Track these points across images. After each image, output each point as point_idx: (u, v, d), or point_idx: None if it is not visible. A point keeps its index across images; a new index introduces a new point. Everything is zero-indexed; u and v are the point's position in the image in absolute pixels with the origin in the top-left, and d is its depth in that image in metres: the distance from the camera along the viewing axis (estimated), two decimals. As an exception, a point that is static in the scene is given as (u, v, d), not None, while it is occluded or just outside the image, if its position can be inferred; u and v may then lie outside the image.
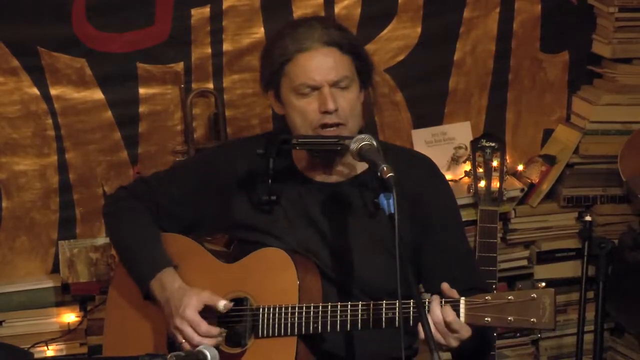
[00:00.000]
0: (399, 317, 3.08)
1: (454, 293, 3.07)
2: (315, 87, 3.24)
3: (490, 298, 3.01)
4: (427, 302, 3.08)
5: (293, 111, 3.29)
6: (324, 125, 3.24)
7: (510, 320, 2.99)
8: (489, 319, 3.01)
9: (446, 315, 3.03)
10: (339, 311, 3.17)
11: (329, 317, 3.18)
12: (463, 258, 3.38)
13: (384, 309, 3.13)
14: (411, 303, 3.08)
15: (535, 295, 2.98)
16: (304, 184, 3.36)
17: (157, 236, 3.43)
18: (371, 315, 3.14)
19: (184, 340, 3.25)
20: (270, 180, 3.31)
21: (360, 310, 3.15)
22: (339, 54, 3.26)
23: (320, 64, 3.23)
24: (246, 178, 3.38)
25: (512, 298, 2.99)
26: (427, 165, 3.44)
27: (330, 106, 3.22)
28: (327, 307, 3.18)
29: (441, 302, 3.05)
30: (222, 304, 3.24)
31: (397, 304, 3.00)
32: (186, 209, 3.45)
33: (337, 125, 3.24)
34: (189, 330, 3.24)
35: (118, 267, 3.52)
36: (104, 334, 3.55)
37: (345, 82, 3.25)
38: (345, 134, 3.21)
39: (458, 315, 3.04)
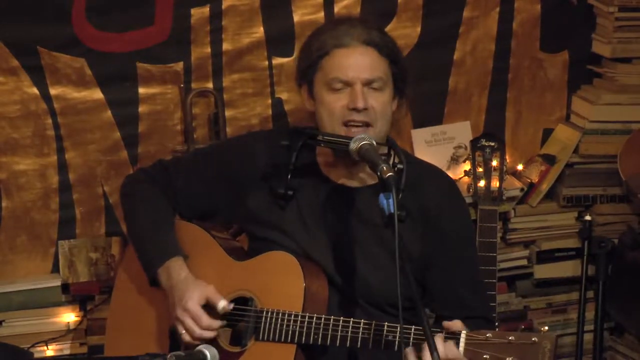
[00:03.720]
0: (403, 339, 3.08)
1: (456, 325, 3.05)
2: (347, 83, 3.24)
3: (491, 336, 3.00)
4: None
5: (322, 106, 3.28)
6: (350, 122, 3.23)
7: None
8: (488, 357, 2.99)
9: (449, 351, 3.00)
10: (340, 326, 3.16)
11: (330, 330, 3.16)
12: (471, 283, 3.37)
13: (385, 330, 3.12)
14: (412, 328, 3.06)
15: (537, 340, 2.97)
16: (323, 184, 3.35)
17: (171, 223, 3.43)
18: (372, 334, 3.13)
19: (184, 332, 3.26)
20: (289, 175, 3.31)
21: (362, 329, 3.14)
22: (377, 55, 3.26)
23: (356, 61, 3.24)
24: (266, 170, 3.38)
25: (513, 339, 2.98)
26: (448, 184, 3.42)
27: (360, 104, 3.22)
28: (329, 320, 3.17)
29: (445, 337, 3.03)
30: (221, 304, 3.23)
31: (399, 306, 2.96)
32: (204, 196, 3.45)
33: (365, 125, 3.23)
34: (190, 322, 3.24)
35: (127, 252, 3.52)
36: (107, 319, 3.57)
37: (378, 83, 3.25)
38: (372, 135, 3.18)
39: (457, 347, 3.02)
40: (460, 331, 3.03)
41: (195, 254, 3.38)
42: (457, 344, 3.02)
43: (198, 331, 3.23)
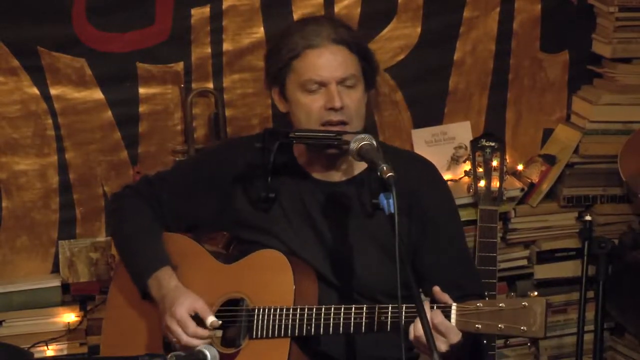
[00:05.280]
0: (395, 319, 3.08)
1: (445, 297, 3.05)
2: (322, 83, 3.24)
3: (481, 305, 3.00)
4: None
5: (298, 108, 3.29)
6: (329, 123, 3.24)
7: (500, 327, 2.98)
8: (480, 326, 3.00)
9: (434, 317, 3.00)
10: (332, 314, 3.16)
11: (322, 319, 3.16)
12: (461, 263, 3.36)
13: (376, 313, 3.12)
14: (403, 308, 3.06)
15: (527, 304, 2.97)
16: (303, 181, 3.35)
17: (158, 235, 3.43)
18: (364, 318, 3.13)
19: (174, 340, 3.26)
20: (269, 177, 3.31)
21: (353, 314, 3.15)
22: (347, 53, 3.27)
23: (329, 61, 3.24)
24: (246, 175, 3.38)
25: (504, 306, 2.98)
26: (427, 168, 3.42)
27: (337, 103, 3.22)
28: (320, 309, 3.17)
29: (432, 307, 3.04)
30: (209, 320, 3.23)
31: (398, 303, 2.96)
32: (188, 207, 3.45)
33: (342, 123, 3.24)
34: (177, 330, 3.24)
35: (119, 265, 3.52)
36: (102, 331, 3.56)
37: (352, 80, 3.26)
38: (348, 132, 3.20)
39: (449, 320, 3.02)
40: (450, 304, 3.03)
41: (185, 263, 3.37)
42: (448, 317, 3.02)
43: (185, 338, 3.23)
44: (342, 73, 3.24)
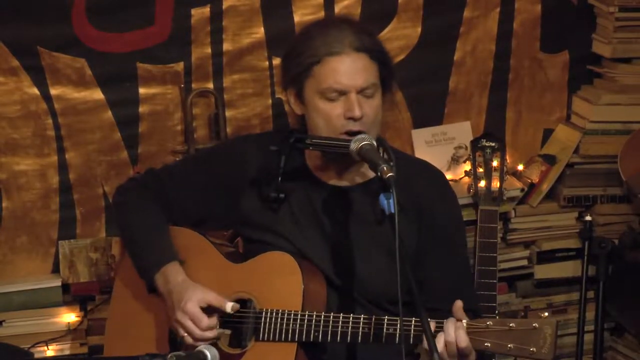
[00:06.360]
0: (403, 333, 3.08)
1: (461, 316, 3.05)
2: (342, 91, 3.22)
3: (492, 323, 3.01)
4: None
5: (316, 114, 3.27)
6: (348, 133, 3.23)
7: (509, 347, 2.98)
8: (489, 345, 3.00)
9: (460, 342, 3.01)
10: (340, 322, 3.16)
11: (330, 327, 3.17)
12: (462, 277, 3.38)
13: (385, 325, 3.12)
14: (413, 321, 3.06)
15: (537, 325, 2.97)
16: (313, 185, 3.35)
17: (165, 229, 3.42)
18: (372, 329, 3.13)
19: (185, 334, 3.25)
20: (279, 177, 3.30)
21: (362, 324, 3.15)
22: (368, 61, 3.25)
23: (350, 69, 3.22)
24: (256, 174, 3.37)
25: (514, 326, 2.98)
26: (439, 180, 3.42)
27: (357, 113, 3.21)
28: (329, 316, 3.17)
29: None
30: (229, 305, 3.23)
31: (399, 305, 2.96)
32: (195, 203, 3.45)
33: (360, 133, 3.23)
34: (190, 324, 3.24)
35: (124, 259, 3.52)
36: (106, 324, 3.56)
37: (371, 89, 3.24)
38: None
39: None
40: (461, 320, 3.03)
41: (192, 259, 3.37)
42: None
43: (199, 332, 3.23)
44: (362, 82, 3.22)
